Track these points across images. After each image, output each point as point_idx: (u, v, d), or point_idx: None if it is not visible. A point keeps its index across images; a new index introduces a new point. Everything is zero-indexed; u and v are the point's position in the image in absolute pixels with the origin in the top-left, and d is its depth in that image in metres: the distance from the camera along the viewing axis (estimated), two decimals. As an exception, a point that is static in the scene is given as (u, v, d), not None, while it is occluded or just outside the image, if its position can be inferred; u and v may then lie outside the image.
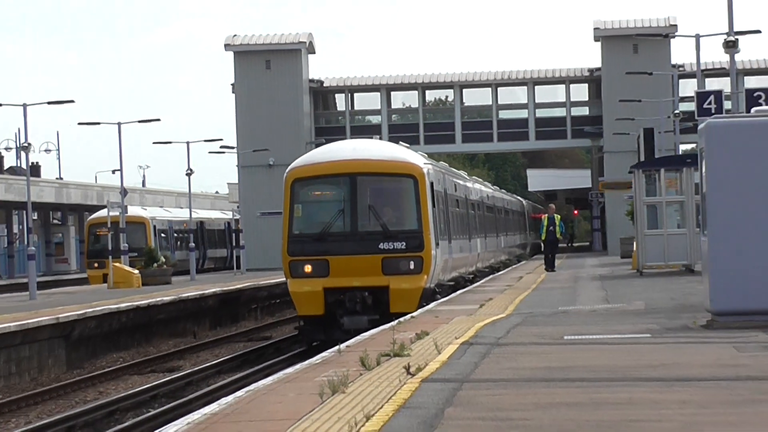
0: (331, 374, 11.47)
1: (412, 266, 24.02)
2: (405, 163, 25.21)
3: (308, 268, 24.28)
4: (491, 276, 41.79)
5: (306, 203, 25.36)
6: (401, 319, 21.59)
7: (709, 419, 8.40)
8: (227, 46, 64.33)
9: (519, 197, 66.80)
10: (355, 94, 65.81)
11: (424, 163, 25.76)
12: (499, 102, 63.63)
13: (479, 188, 45.80)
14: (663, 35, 52.92)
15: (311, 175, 25.30)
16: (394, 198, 25.38)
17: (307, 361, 15.21)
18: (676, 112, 41.65)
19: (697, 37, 35.74)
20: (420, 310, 24.92)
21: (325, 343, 20.52)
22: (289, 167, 25.34)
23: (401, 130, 58.46)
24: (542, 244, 45.57)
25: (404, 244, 24.10)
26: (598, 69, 61.82)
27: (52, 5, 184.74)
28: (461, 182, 38.09)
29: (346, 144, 27.44)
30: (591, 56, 55.87)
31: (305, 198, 25.40)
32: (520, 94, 64.38)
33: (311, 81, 63.79)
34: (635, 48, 58.25)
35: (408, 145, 27.77)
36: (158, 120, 60.14)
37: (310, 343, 24.37)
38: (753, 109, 21.39)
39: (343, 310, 23.62)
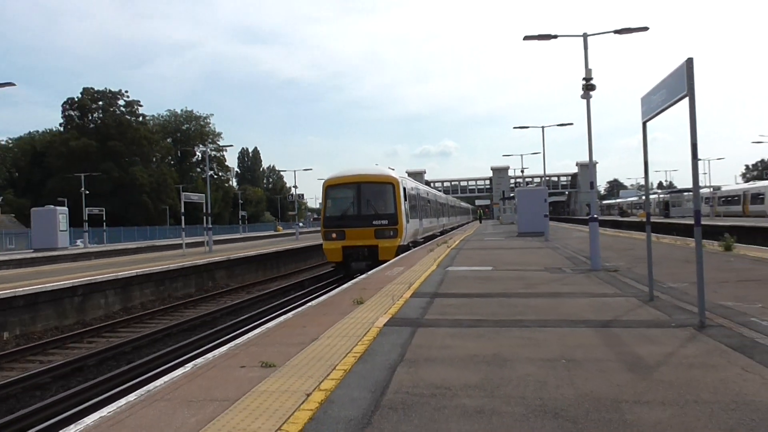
0: (429, 248, 26.06)
1: (391, 234, 24.34)
2: (387, 176, 25.45)
3: (334, 235, 24.65)
4: (464, 225, 68.35)
5: (333, 198, 25.50)
6: (450, 233, 38.65)
7: (520, 256, 21.25)
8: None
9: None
10: (433, 183, 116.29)
11: (400, 177, 26.26)
12: (469, 187, 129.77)
13: (446, 197, 55.41)
14: (507, 169, 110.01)
15: (336, 183, 25.46)
16: (381, 196, 25.03)
17: (423, 245, 28.79)
18: (510, 187, 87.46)
19: (515, 170, 73.11)
20: (452, 232, 41.36)
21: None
22: (325, 179, 26.00)
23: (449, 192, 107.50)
24: (478, 218, 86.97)
25: (387, 221, 24.47)
26: (491, 178, 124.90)
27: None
28: (432, 192, 42.52)
29: (357, 166, 26.98)
30: (488, 174, 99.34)
31: (333, 196, 25.50)
32: (473, 185, 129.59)
33: (425, 180, 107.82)
34: (500, 172, 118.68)
35: (393, 168, 28.01)
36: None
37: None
38: (528, 186, 49.69)
39: (352, 258, 24.49)
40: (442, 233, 43.80)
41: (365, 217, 24.58)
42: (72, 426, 4.97)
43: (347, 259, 24.55)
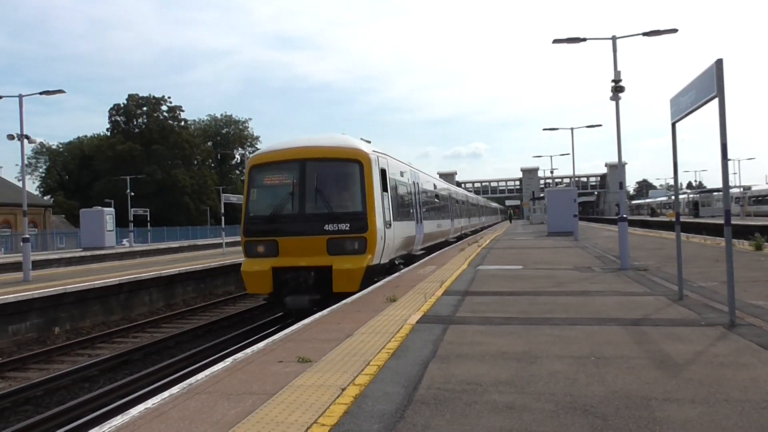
0: (461, 247, 25.88)
1: (356, 246, 14.82)
2: (350, 149, 15.62)
3: (260, 249, 15.29)
4: (493, 226, 65.98)
5: (261, 188, 15.97)
6: (480, 233, 36.90)
7: (550, 255, 21.66)
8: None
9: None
10: (464, 184, 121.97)
11: (373, 151, 15.97)
12: (499, 188, 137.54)
13: (466, 194, 45.55)
14: (536, 170, 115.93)
15: (266, 162, 15.86)
16: (339, 182, 15.58)
17: (453, 245, 28.45)
18: (540, 187, 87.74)
19: (544, 171, 78.03)
20: (486, 230, 40.81)
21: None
22: (251, 156, 15.54)
23: (480, 192, 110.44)
24: (509, 218, 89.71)
25: (348, 225, 14.86)
26: (520, 178, 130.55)
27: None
28: (442, 184, 31.04)
29: (303, 136, 17.17)
30: (518, 175, 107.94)
31: (260, 183, 15.93)
32: (503, 185, 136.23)
33: (456, 181, 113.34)
34: (530, 173, 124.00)
35: (369, 141, 17.34)
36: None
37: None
38: (557, 186, 46.51)
39: (289, 289, 14.96)
40: (458, 239, 34.06)
41: (312, 218, 15.18)
42: (119, 416, 5.06)
43: (280, 289, 15.15)
